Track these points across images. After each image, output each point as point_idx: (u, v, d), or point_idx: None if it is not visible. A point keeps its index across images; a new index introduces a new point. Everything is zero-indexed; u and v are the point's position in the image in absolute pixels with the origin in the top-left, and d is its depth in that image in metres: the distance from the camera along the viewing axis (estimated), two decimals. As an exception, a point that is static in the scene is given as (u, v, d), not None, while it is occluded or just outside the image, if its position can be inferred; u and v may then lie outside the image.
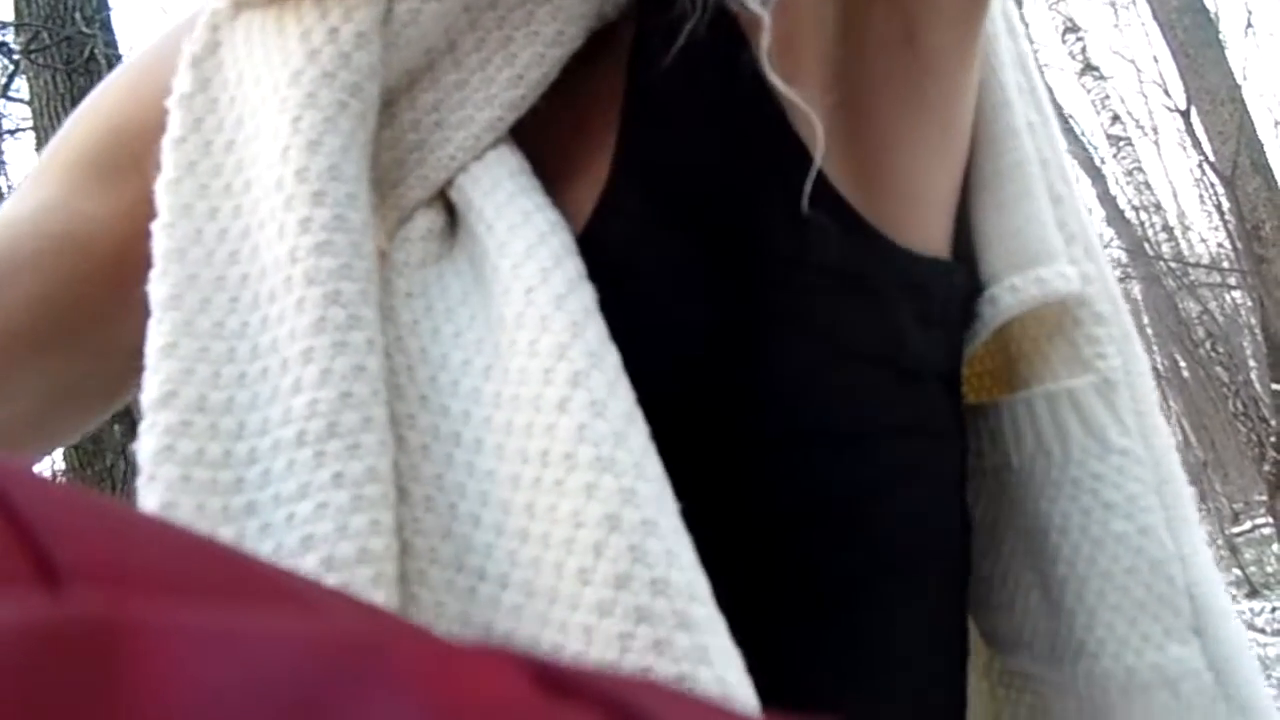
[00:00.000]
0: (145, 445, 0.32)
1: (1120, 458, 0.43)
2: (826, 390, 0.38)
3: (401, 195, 0.39)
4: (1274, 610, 6.59)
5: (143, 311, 0.39)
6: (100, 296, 0.42)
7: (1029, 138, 0.45)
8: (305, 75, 0.35)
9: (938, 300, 0.42)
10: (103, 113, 0.45)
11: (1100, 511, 0.42)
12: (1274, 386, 6.59)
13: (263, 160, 0.36)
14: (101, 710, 0.08)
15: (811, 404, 0.37)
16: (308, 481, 0.31)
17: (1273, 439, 6.66)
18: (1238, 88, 6.61)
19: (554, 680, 0.10)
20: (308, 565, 0.30)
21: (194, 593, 0.10)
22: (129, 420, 3.03)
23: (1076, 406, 0.44)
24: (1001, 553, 0.46)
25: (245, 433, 0.32)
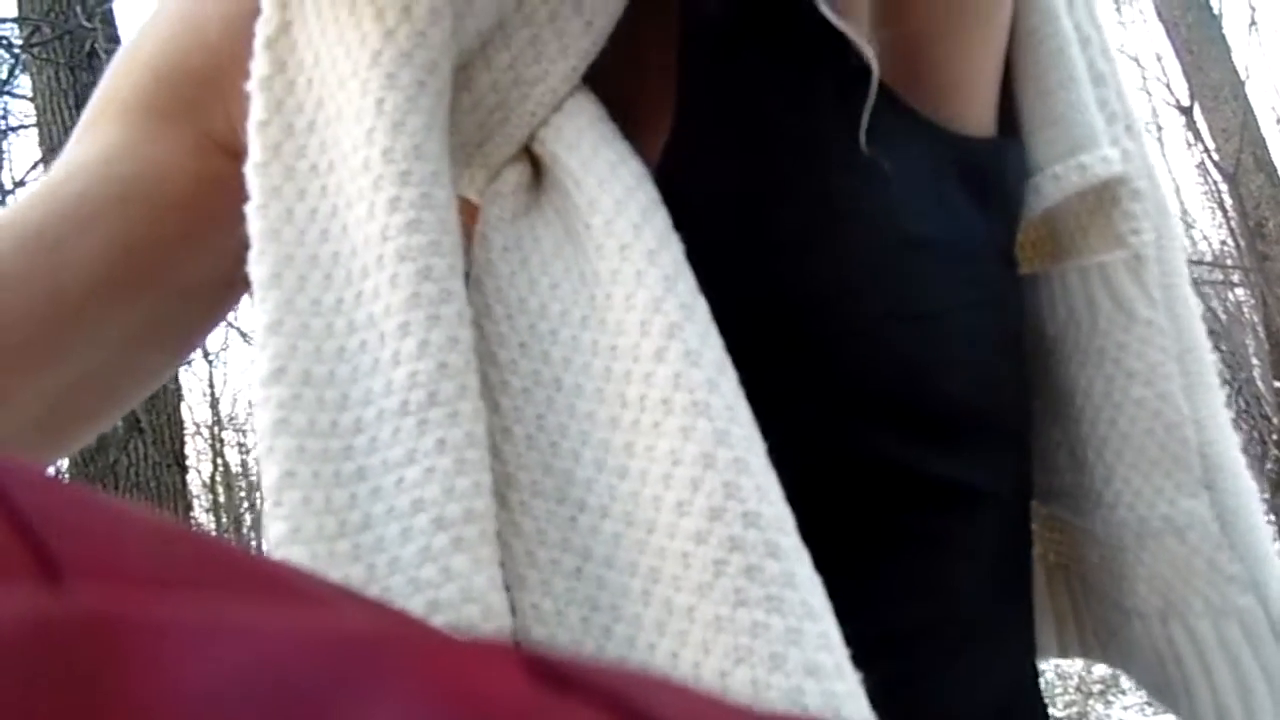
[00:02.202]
0: (261, 419, 0.34)
1: (1145, 328, 0.45)
2: (894, 276, 0.40)
3: (489, 154, 0.40)
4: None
5: (215, 250, 0.42)
6: (174, 238, 0.43)
7: (1068, 17, 0.47)
8: (384, 56, 0.36)
9: (991, 179, 0.44)
10: (147, 57, 0.45)
11: (1122, 379, 0.45)
12: (1276, 385, 6.58)
13: (347, 141, 0.37)
14: (101, 704, 0.08)
15: (876, 289, 0.40)
16: (414, 448, 0.33)
17: (1275, 437, 6.65)
18: (1241, 85, 6.59)
19: (553, 675, 0.10)
20: (419, 524, 0.32)
21: (193, 588, 0.10)
22: (131, 417, 3.04)
23: (1106, 280, 0.46)
24: (1034, 413, 0.49)
25: (349, 403, 0.34)
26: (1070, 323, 0.47)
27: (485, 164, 0.40)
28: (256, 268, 0.36)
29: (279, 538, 0.32)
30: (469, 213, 0.40)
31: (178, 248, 0.43)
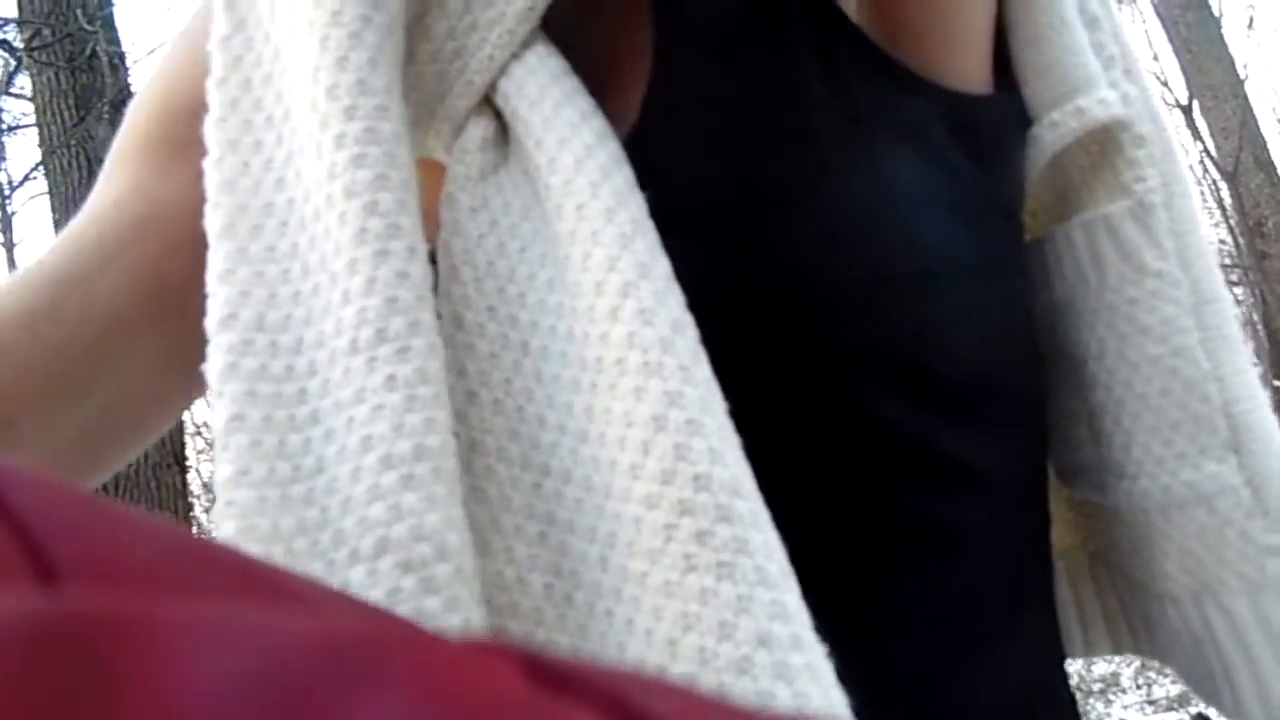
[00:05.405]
0: (211, 365, 0.33)
1: (1155, 281, 0.43)
2: (885, 235, 0.39)
3: (451, 106, 0.40)
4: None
5: None
6: (189, 270, 0.43)
7: None
8: None
9: (988, 136, 0.42)
10: (155, 98, 0.46)
11: (1135, 336, 0.43)
12: (1276, 384, 6.58)
13: (299, 85, 0.36)
14: (99, 707, 0.08)
15: (871, 250, 0.38)
16: (363, 386, 0.32)
17: (1275, 435, 6.63)
18: (1240, 83, 6.59)
19: (550, 675, 0.10)
20: (368, 463, 0.31)
21: (190, 590, 0.10)
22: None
23: (1111, 232, 0.44)
24: (1053, 388, 0.47)
25: (303, 347, 0.34)
26: (1078, 281, 0.44)
27: (448, 116, 0.40)
28: (211, 219, 0.35)
29: (224, 480, 0.31)
30: (436, 174, 0.40)
31: (194, 279, 0.43)
